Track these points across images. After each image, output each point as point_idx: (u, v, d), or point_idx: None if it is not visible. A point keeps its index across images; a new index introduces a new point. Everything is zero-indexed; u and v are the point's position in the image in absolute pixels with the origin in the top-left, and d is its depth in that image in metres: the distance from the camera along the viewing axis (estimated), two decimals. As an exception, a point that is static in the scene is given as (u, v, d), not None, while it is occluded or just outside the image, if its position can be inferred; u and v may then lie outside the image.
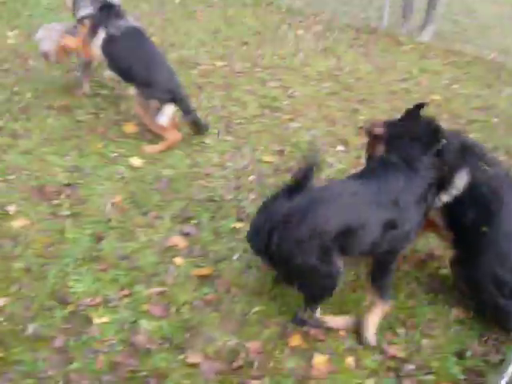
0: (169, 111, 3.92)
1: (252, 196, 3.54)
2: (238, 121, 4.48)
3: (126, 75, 4.08)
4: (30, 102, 4.39)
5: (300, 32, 6.62)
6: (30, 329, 2.44)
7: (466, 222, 2.50)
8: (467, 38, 7.42)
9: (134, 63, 3.97)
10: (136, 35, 4.10)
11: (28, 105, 4.35)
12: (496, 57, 6.51)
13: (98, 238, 3.05)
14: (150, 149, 3.95)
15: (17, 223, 3.08)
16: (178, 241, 3.07)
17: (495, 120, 4.77)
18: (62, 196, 3.37)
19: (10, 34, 5.78)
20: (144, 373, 2.28)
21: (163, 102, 3.88)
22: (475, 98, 5.27)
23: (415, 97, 5.14)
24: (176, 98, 3.94)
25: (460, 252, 2.59)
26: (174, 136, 3.99)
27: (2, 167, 3.55)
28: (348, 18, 7.32)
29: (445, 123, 4.59)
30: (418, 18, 7.31)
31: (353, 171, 3.94)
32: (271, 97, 4.90)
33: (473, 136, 4.39)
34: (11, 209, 3.19)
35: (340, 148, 4.25)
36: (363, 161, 4.00)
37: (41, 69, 4.96)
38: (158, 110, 3.89)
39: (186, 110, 4.02)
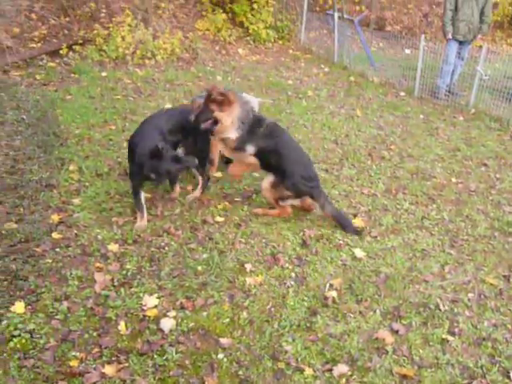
0: None
1: (468, 313, 3.45)
2: (465, 237, 4.44)
3: None
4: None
5: (549, 162, 6.29)
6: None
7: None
8: None
9: None
10: None
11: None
12: None
13: (313, 312, 3.34)
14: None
15: (250, 280, 3.58)
16: (386, 336, 3.17)
17: None
18: (290, 266, 3.80)
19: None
20: None
21: None
22: None
23: None
24: None
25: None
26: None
27: (247, 232, 4.18)
28: None
29: None
30: None
31: None
32: (506, 221, 4.73)
33: None
34: (248, 267, 3.73)
35: None
36: None
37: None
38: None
39: None
